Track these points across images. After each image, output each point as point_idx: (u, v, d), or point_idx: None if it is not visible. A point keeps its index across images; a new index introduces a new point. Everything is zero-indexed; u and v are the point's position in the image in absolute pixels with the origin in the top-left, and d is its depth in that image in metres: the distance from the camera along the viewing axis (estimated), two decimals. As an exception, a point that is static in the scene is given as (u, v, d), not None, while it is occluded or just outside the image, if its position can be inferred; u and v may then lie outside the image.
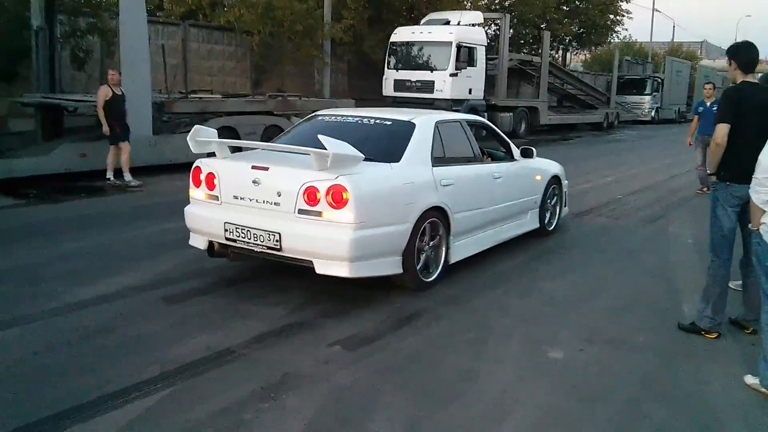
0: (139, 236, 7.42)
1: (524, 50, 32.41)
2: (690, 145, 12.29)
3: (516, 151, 7.33)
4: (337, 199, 4.92)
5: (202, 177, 5.62)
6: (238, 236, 5.31)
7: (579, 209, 9.66)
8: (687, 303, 5.64)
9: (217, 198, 5.53)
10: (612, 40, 42.53)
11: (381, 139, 5.95)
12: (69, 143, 11.48)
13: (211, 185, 5.56)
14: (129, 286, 5.69)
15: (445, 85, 19.69)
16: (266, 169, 5.25)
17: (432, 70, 19.93)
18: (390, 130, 6.01)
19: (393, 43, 20.80)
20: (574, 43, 40.31)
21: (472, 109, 20.03)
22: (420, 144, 5.84)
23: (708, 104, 11.63)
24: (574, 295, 5.79)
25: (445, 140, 6.12)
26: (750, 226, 4.09)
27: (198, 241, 5.77)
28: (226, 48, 20.92)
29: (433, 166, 5.82)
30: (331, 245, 4.99)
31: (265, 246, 5.18)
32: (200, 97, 13.62)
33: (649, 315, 5.38)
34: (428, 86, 19.86)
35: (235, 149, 6.21)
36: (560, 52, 39.80)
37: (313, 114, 6.72)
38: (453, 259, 6.07)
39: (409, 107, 16.97)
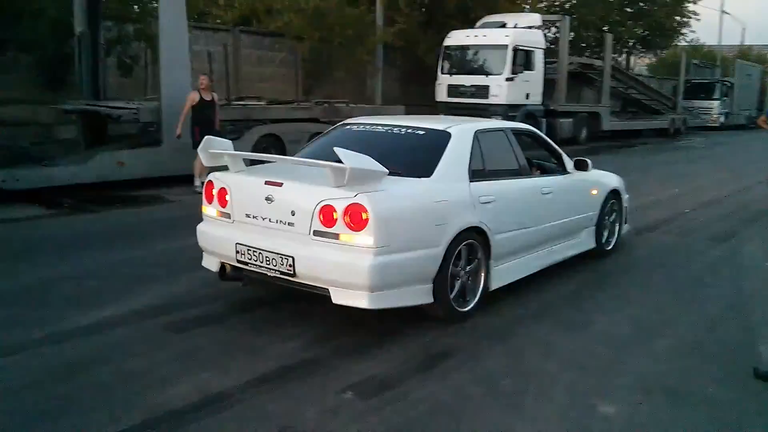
0: (161, 252, 6.96)
1: (586, 54, 31.18)
2: None
3: (569, 163, 6.59)
4: (356, 219, 4.31)
5: (215, 192, 5.10)
6: (250, 259, 4.76)
7: (641, 225, 8.80)
8: (765, 342, 4.83)
9: (229, 216, 5.00)
10: (678, 43, 40.82)
11: (412, 150, 5.32)
12: (107, 152, 11.21)
13: (223, 202, 5.03)
14: (135, 310, 5.20)
15: (500, 90, 18.90)
16: (280, 185, 4.68)
17: (487, 74, 19.16)
18: (422, 141, 5.37)
19: (447, 47, 20.13)
20: (638, 46, 38.78)
21: (529, 115, 19.25)
22: (456, 156, 5.18)
23: (787, 109, 10.58)
24: (633, 333, 5.02)
25: (485, 151, 5.44)
26: None
27: (210, 263, 5.25)
28: (277, 54, 20.58)
29: (470, 181, 5.16)
30: (348, 272, 4.38)
31: (278, 271, 4.61)
32: (244, 104, 13.22)
33: (720, 358, 4.58)
34: (483, 91, 19.10)
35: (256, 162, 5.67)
36: (624, 55, 38.35)
37: (341, 122, 6.14)
38: (494, 286, 5.39)
39: (462, 114, 16.41)
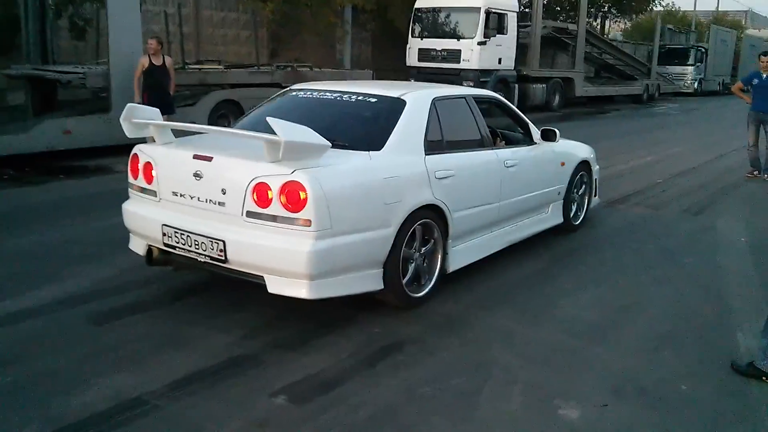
0: (98, 230, 6.38)
1: (560, 17, 30.70)
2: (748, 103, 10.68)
3: (535, 133, 6.13)
4: (293, 199, 3.83)
5: (140, 167, 4.58)
6: (178, 242, 4.26)
7: (612, 197, 8.43)
8: (742, 330, 4.47)
9: (155, 194, 4.48)
10: (653, 8, 40.39)
11: (361, 120, 4.82)
12: (52, 119, 10.53)
13: (149, 177, 4.51)
14: (59, 298, 4.69)
15: (472, 55, 18.32)
16: (209, 159, 4.17)
17: (459, 38, 18.57)
18: (374, 109, 4.85)
19: (418, 10, 19.45)
20: (613, 11, 38.30)
21: (502, 80, 18.81)
22: (410, 126, 4.69)
23: (765, 76, 10.17)
24: (600, 319, 4.62)
25: (443, 121, 4.96)
26: None
27: (137, 245, 4.73)
28: (240, 16, 19.81)
29: (426, 154, 4.68)
30: (285, 259, 3.90)
31: (209, 256, 4.12)
32: (200, 68, 12.55)
33: (694, 349, 4.20)
34: (454, 56, 18.52)
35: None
36: (598, 19, 37.87)
37: (287, 89, 5.60)
38: (452, 268, 4.95)
39: (433, 79, 15.85)
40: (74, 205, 7.59)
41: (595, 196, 7.19)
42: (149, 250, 4.58)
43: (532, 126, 6.12)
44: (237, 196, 4.00)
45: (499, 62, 18.95)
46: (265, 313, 4.44)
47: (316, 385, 3.58)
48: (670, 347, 4.20)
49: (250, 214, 3.97)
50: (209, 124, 11.08)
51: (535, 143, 6.08)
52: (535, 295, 5.03)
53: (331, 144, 4.00)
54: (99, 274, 5.20)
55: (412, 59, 19.48)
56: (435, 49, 18.88)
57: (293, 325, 4.31)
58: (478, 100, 5.62)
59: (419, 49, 19.24)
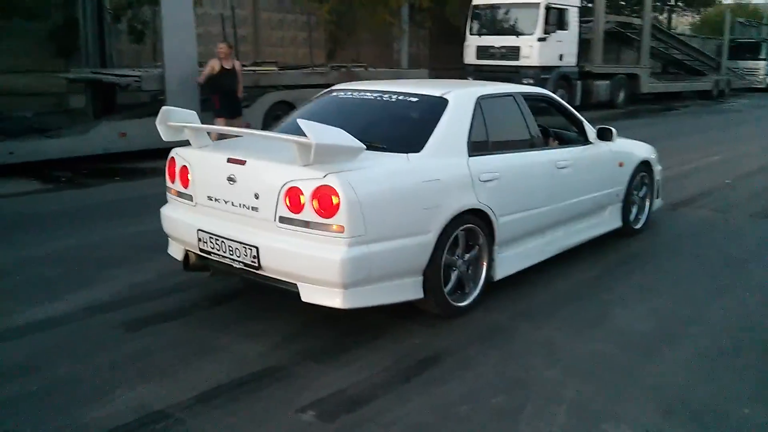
0: (141, 233, 6.29)
1: (625, 12, 29.83)
2: None
3: (591, 132, 5.82)
4: (326, 204, 3.67)
5: (177, 171, 4.50)
6: (213, 248, 4.16)
7: (677, 198, 7.99)
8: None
9: (191, 198, 4.39)
10: (722, 1, 38.89)
11: (401, 120, 4.64)
12: (108, 122, 10.69)
13: (185, 182, 4.42)
14: (93, 303, 4.65)
15: (532, 51, 17.90)
16: (243, 163, 4.05)
17: (518, 34, 18.17)
18: (415, 109, 4.65)
19: (476, 6, 19.14)
20: (680, 4, 37.05)
21: (563, 77, 18.37)
22: (452, 126, 4.48)
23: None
24: (656, 332, 4.29)
25: (489, 120, 4.72)
26: None
27: (175, 251, 4.67)
28: (298, 18, 19.84)
29: (470, 155, 4.46)
30: (318, 266, 3.74)
31: (242, 262, 4.00)
32: (253, 70, 12.56)
33: (759, 368, 3.85)
34: (513, 53, 18.13)
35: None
36: (665, 13, 36.68)
37: (329, 89, 5.44)
38: (498, 276, 4.71)
39: (492, 77, 15.54)
40: (125, 207, 7.62)
41: (657, 198, 6.81)
42: (186, 255, 4.50)
43: (587, 125, 5.81)
44: (270, 200, 3.86)
45: (560, 59, 18.48)
46: (298, 322, 4.29)
47: (346, 401, 3.40)
48: (730, 364, 3.86)
49: (283, 219, 3.83)
50: (264, 126, 11.10)
51: (591, 143, 5.78)
52: (586, 305, 4.74)
53: (366, 146, 3.82)
54: (135, 279, 5.15)
55: (469, 57, 19.18)
56: (493, 47, 18.55)
57: (326, 334, 4.15)
58: (528, 97, 5.34)
59: (477, 46, 18.93)
